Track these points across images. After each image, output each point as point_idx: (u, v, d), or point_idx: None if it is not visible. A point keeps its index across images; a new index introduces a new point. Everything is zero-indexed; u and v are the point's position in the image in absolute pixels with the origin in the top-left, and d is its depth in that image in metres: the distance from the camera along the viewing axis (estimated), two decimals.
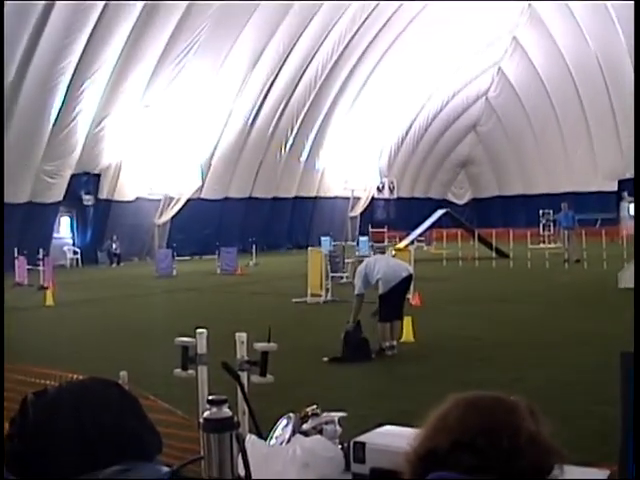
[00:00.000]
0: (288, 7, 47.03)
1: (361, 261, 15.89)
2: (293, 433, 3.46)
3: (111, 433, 2.26)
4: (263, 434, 3.58)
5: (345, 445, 3.30)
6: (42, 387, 2.43)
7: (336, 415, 3.59)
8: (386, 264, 15.34)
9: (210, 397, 2.49)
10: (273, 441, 3.50)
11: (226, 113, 50.41)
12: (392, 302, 14.75)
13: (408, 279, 15.13)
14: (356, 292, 15.02)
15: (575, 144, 67.69)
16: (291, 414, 3.60)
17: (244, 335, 5.07)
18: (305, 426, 3.51)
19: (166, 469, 2.38)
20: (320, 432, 3.45)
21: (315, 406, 3.62)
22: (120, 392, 2.45)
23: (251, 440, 3.27)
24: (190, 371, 5.31)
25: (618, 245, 34.92)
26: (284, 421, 3.58)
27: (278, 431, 3.55)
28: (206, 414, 2.46)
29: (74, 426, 2.23)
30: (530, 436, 2.02)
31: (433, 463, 2.03)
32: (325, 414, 3.57)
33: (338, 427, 3.53)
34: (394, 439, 2.98)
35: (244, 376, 4.72)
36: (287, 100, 54.02)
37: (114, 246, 45.63)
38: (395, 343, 14.78)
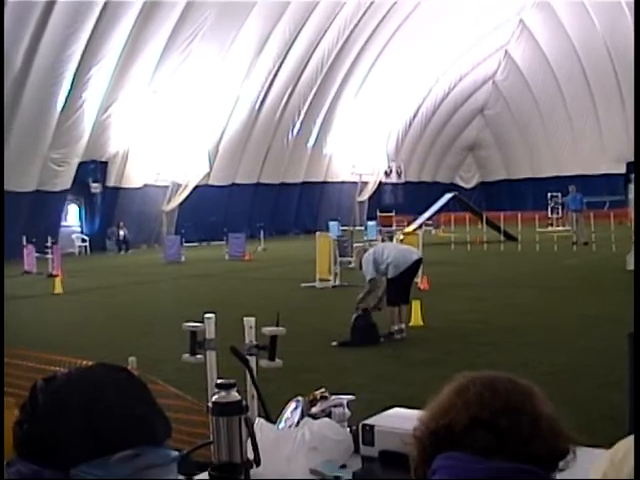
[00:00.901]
0: None
1: (366, 249, 15.89)
2: (302, 416, 3.46)
3: (120, 418, 2.26)
4: (272, 418, 3.59)
5: (354, 428, 3.31)
6: (51, 373, 2.44)
7: (345, 398, 3.59)
8: (395, 249, 15.46)
9: (219, 381, 2.50)
10: (282, 425, 3.51)
11: (233, 99, 50.34)
12: (401, 286, 14.81)
13: (418, 262, 15.18)
14: (368, 277, 14.99)
15: (583, 127, 67.58)
16: (300, 397, 3.60)
17: (252, 320, 5.08)
18: (314, 409, 3.51)
19: (176, 453, 2.39)
20: (329, 415, 3.46)
21: (324, 389, 3.63)
22: (129, 378, 2.45)
23: (260, 424, 3.27)
24: (199, 356, 5.33)
25: (627, 227, 34.78)
26: (293, 404, 3.59)
27: (287, 414, 3.56)
28: (215, 398, 2.47)
29: (83, 412, 2.24)
30: (549, 421, 2.01)
31: (446, 440, 2.01)
32: (334, 397, 3.58)
33: (347, 410, 3.53)
34: (403, 422, 2.98)
35: (253, 360, 4.74)
36: (294, 85, 53.93)
37: (121, 233, 45.69)
38: (404, 327, 14.82)
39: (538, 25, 64.95)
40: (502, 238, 39.94)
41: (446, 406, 2.05)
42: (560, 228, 45.55)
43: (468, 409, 2.01)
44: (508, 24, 64.94)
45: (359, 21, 53.51)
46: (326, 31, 52.25)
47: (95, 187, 46.41)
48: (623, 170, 66.11)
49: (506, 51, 69.04)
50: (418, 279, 20.13)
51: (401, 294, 14.87)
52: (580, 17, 60.42)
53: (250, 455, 2.61)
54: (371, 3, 52.60)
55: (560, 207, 53.22)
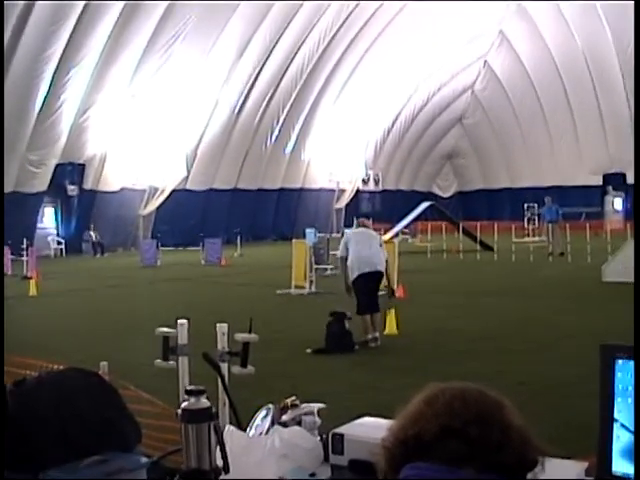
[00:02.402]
0: None
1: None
2: (272, 424, 3.45)
3: (90, 423, 2.24)
4: (243, 425, 3.57)
5: (324, 436, 3.30)
6: (21, 377, 2.42)
7: (315, 406, 3.58)
8: (358, 251, 15.12)
9: (188, 387, 2.48)
10: (252, 432, 3.49)
11: (212, 103, 50.35)
12: (365, 294, 14.85)
13: (376, 274, 15.10)
14: (338, 254, 15.78)
15: (560, 138, 67.84)
16: (270, 405, 3.59)
17: (225, 326, 5.07)
18: (284, 417, 3.50)
19: (145, 459, 2.38)
20: (299, 423, 3.45)
21: (294, 397, 3.62)
22: (100, 382, 2.43)
23: (230, 431, 3.26)
24: (171, 362, 5.31)
25: (602, 239, 35.01)
26: (263, 412, 3.57)
27: (257, 422, 3.54)
28: (184, 405, 2.45)
29: (53, 416, 2.22)
30: (520, 431, 2.01)
31: (415, 450, 2.00)
32: (304, 405, 3.57)
33: (317, 418, 3.52)
34: (373, 431, 2.97)
35: (225, 367, 4.73)
36: (273, 91, 53.97)
37: (93, 235, 45.56)
38: (377, 335, 14.83)
39: (518, 36, 65.16)
40: (478, 247, 40.03)
41: (415, 416, 2.05)
42: (536, 238, 45.74)
43: (437, 418, 2.00)
44: (488, 34, 65.12)
45: (339, 28, 53.62)
46: (306, 37, 52.35)
47: (72, 189, 46.26)
48: (600, 182, 66.57)
49: (485, 61, 69.24)
50: (395, 287, 20.19)
51: (368, 303, 14.88)
52: (560, 29, 60.68)
53: (219, 462, 2.60)
54: (352, 11, 52.72)
55: (536, 218, 53.48)
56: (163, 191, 49.94)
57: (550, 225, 38.32)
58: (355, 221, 16.68)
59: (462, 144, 77.04)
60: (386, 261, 15.39)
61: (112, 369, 6.28)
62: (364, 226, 16.11)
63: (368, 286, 14.89)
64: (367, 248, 15.12)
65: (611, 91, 60.99)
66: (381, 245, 15.66)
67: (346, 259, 15.20)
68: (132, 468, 2.26)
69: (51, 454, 2.17)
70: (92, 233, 45.63)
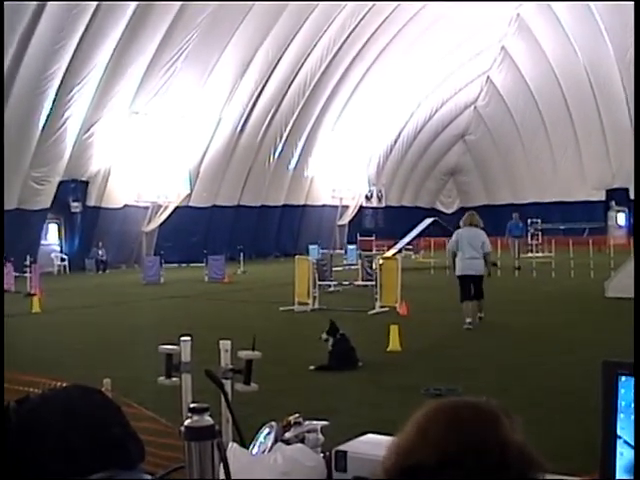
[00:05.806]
0: (277, 15, 47.08)
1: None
2: (275, 442, 3.45)
3: (93, 441, 2.25)
4: (246, 442, 3.57)
5: (327, 454, 3.29)
6: (24, 395, 2.43)
7: (318, 424, 3.58)
8: (464, 257, 18.93)
9: (192, 405, 2.48)
10: (255, 450, 3.49)
11: (215, 121, 50.39)
12: (463, 288, 19.20)
13: (474, 278, 19.15)
14: (449, 248, 19.63)
15: (563, 153, 67.87)
16: (273, 422, 3.58)
17: (228, 343, 5.06)
18: (287, 435, 3.49)
19: (148, 477, 2.38)
20: (302, 441, 3.44)
21: (297, 415, 3.62)
22: (103, 399, 2.44)
23: (233, 448, 3.26)
24: (174, 379, 5.30)
25: (605, 254, 34.98)
26: (266, 429, 3.57)
27: (260, 439, 3.54)
28: (187, 422, 2.45)
29: (56, 434, 2.23)
30: (519, 448, 2.00)
31: (417, 478, 2.00)
32: (307, 423, 3.56)
33: (320, 436, 3.51)
34: (376, 448, 2.97)
35: (228, 384, 4.72)
36: (276, 108, 54.01)
37: (100, 253, 45.58)
38: (480, 315, 19.54)
39: (520, 52, 65.31)
40: None
41: (410, 445, 2.03)
42: (539, 254, 45.70)
43: (434, 449, 1.99)
44: (490, 50, 65.30)
45: (342, 45, 53.71)
46: (309, 54, 52.44)
47: (75, 206, 46.25)
48: (603, 197, 66.51)
49: (488, 77, 69.35)
50: (397, 304, 20.20)
51: (464, 293, 19.17)
52: (562, 45, 60.78)
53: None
54: (354, 28, 52.81)
55: (540, 233, 53.52)
56: (166, 208, 49.96)
57: (515, 240, 40.79)
58: (465, 216, 19.67)
59: (465, 160, 77.08)
60: (487, 253, 19.36)
61: (115, 386, 6.28)
62: (473, 225, 19.38)
63: (467, 284, 19.09)
64: (473, 257, 18.95)
65: (613, 106, 61.01)
66: (484, 243, 19.09)
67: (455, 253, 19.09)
68: None
69: (55, 471, 2.18)
70: (100, 251, 45.64)
